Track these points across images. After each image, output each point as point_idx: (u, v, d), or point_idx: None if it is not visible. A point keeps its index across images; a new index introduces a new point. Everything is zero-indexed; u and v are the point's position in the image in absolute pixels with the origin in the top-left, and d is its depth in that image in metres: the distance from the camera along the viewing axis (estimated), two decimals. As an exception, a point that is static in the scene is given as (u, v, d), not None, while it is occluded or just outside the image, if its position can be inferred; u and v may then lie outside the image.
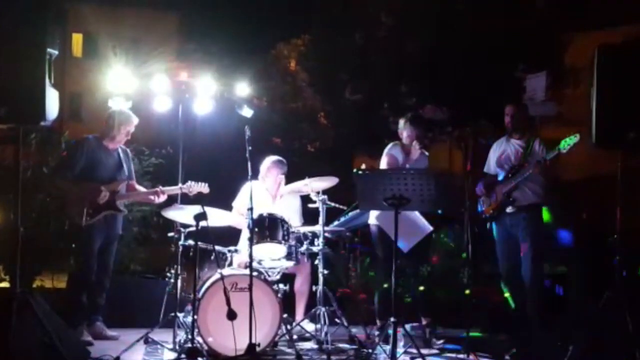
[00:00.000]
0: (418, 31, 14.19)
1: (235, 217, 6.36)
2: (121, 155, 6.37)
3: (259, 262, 5.89)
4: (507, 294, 6.38)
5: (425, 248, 6.47)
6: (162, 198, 6.34)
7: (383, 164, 6.42)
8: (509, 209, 6.17)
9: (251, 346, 5.02)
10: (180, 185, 6.21)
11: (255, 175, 6.07)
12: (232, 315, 5.01)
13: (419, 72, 14.02)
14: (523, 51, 13.82)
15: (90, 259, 6.13)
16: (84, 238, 6.14)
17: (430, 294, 6.41)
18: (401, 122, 6.51)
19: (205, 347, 5.35)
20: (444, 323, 6.50)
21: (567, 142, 5.74)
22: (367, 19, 15.27)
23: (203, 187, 6.25)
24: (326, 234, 6.12)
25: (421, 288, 6.49)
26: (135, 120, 6.34)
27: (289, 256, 5.96)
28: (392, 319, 5.16)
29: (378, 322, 6.38)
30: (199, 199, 5.99)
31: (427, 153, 6.45)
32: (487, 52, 13.14)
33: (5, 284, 6.26)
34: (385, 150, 6.47)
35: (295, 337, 6.04)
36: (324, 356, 5.57)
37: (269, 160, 6.74)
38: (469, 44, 13.24)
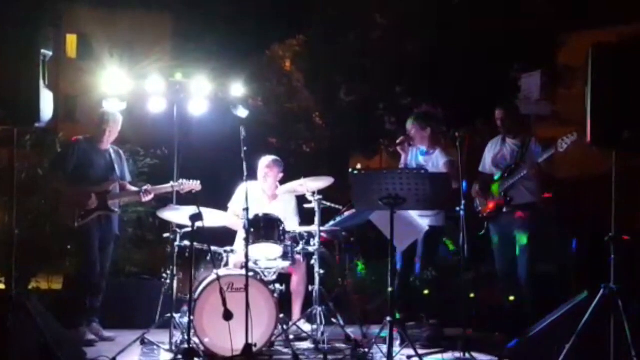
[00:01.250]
0: (417, 31, 14.16)
1: (231, 217, 6.35)
2: (112, 155, 6.34)
3: (255, 263, 5.89)
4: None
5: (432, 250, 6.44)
6: (150, 197, 6.33)
7: None
8: (505, 209, 6.18)
9: (247, 346, 5.02)
10: (172, 183, 6.20)
11: (250, 176, 6.07)
12: (228, 316, 5.00)
13: (418, 72, 13.99)
14: (521, 51, 13.81)
15: (91, 259, 6.11)
16: (82, 239, 6.13)
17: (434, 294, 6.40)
18: None
19: (202, 348, 5.35)
20: (444, 323, 6.49)
21: (565, 141, 5.73)
22: (364, 19, 15.24)
23: (195, 185, 6.23)
24: (322, 234, 6.12)
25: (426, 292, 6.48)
26: (118, 119, 6.28)
27: (285, 256, 5.96)
28: (388, 318, 5.16)
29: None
30: (194, 199, 5.98)
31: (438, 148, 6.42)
32: (486, 52, 13.13)
33: (0, 286, 6.24)
34: None
35: (291, 337, 6.05)
36: (321, 356, 5.57)
37: (269, 159, 6.72)
38: (468, 43, 13.23)
